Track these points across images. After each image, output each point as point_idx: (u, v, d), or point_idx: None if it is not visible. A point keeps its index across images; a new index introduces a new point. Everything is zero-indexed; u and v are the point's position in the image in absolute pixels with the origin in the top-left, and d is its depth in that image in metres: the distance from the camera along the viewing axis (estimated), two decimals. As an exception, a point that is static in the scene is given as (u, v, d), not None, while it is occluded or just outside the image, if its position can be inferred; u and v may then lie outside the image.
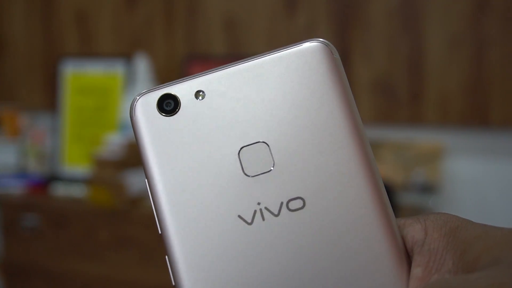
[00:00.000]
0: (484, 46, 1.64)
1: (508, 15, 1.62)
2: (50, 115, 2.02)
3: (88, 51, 2.00)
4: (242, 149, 0.27)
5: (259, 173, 0.27)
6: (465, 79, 1.65)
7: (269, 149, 0.27)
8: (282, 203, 0.26)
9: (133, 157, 1.66)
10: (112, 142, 1.68)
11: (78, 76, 1.96)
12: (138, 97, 0.28)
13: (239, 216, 0.26)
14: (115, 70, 1.91)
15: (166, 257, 0.26)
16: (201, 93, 0.28)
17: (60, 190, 1.81)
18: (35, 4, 2.06)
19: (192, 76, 0.28)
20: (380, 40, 1.71)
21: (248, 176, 0.26)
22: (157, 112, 0.28)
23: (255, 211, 0.26)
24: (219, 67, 0.28)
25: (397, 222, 0.27)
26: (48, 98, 2.04)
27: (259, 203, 0.26)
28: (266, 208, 0.26)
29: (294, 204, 0.26)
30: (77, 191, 1.77)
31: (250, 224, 0.26)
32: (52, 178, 1.90)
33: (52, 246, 1.68)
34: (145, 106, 0.28)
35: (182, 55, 1.88)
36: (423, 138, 1.68)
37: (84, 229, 1.65)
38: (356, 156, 0.27)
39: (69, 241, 1.66)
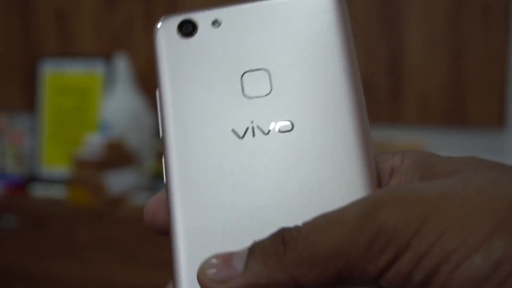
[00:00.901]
0: (462, 46, 1.65)
1: (485, 16, 1.63)
2: (28, 116, 2.00)
3: (68, 51, 1.99)
4: (245, 74, 0.30)
5: (257, 95, 0.30)
6: (444, 79, 1.67)
7: (269, 76, 0.30)
8: (273, 124, 0.29)
9: (113, 157, 1.65)
10: (92, 143, 1.67)
11: (57, 76, 1.94)
12: (161, 21, 0.32)
13: (233, 130, 0.29)
14: (95, 70, 1.90)
15: (163, 157, 0.29)
16: (217, 21, 0.31)
17: (39, 191, 1.80)
18: (13, 3, 2.04)
19: (212, 7, 0.32)
20: (360, 41, 1.72)
21: (246, 97, 0.30)
22: (177, 34, 0.31)
23: (247, 128, 0.29)
24: (236, 3, 0.32)
25: (379, 156, 0.30)
26: (27, 99, 2.02)
27: (252, 121, 0.29)
28: (258, 126, 0.29)
29: (284, 127, 0.29)
30: (57, 192, 1.76)
31: (241, 138, 0.29)
32: (31, 179, 1.88)
33: (31, 248, 1.67)
34: (167, 28, 0.32)
35: (163, 55, 1.88)
36: (403, 138, 1.69)
37: (63, 230, 1.64)
38: (347, 94, 0.29)
39: (48, 242, 1.65)
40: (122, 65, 1.76)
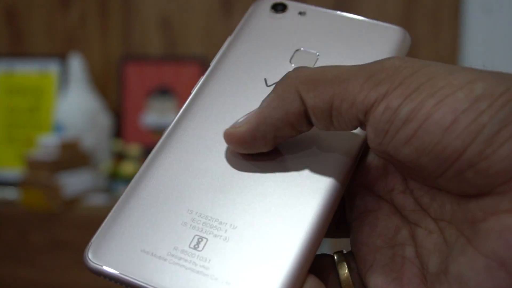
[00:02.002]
0: (415, 45, 1.69)
1: (436, 15, 1.67)
2: (-20, 116, 1.96)
3: (20, 50, 1.95)
4: (301, 50, 0.37)
5: (298, 65, 0.35)
6: (397, 78, 1.70)
7: (316, 60, 0.36)
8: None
9: (68, 158, 1.63)
10: (46, 144, 1.65)
11: (10, 76, 1.91)
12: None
13: (264, 79, 0.36)
14: (49, 70, 1.87)
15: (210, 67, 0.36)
16: (303, 13, 0.39)
17: (-8, 194, 1.77)
18: (-38, 1, 1.99)
19: (306, 4, 0.39)
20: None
21: (291, 63, 0.36)
22: (269, 9, 0.39)
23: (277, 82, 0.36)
24: (324, 8, 0.40)
25: None
26: (-22, 99, 1.98)
27: None
28: None
29: None
30: (9, 194, 1.73)
31: (267, 86, 0.35)
32: (-17, 181, 1.84)
33: (-17, 251, 1.64)
34: (263, 3, 0.39)
35: (118, 55, 1.86)
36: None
37: (17, 233, 1.61)
38: None
39: (1, 246, 1.62)
40: (76, 65, 1.74)
